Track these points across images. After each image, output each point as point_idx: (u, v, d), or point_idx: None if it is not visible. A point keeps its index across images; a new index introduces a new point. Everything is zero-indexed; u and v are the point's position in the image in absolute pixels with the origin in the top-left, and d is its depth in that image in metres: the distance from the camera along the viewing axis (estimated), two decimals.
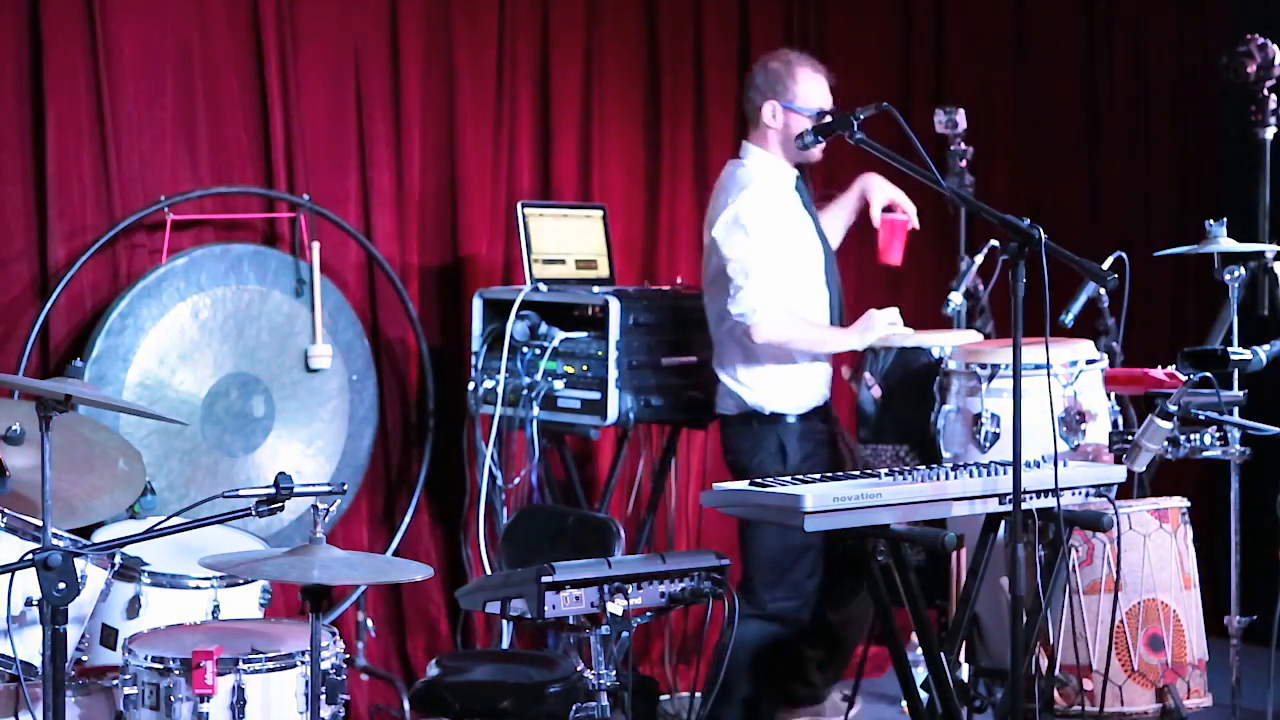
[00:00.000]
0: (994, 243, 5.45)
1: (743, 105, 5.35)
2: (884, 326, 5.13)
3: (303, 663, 3.96)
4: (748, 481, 4.14)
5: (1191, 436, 4.77)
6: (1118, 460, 4.58)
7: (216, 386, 5.35)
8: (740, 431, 5.23)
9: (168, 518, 4.31)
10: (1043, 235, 3.84)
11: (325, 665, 3.97)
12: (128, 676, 3.97)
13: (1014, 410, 3.92)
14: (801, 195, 5.29)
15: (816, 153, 5.16)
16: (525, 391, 5.49)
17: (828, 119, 4.76)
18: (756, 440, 5.18)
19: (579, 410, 5.46)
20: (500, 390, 5.54)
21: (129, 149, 5.33)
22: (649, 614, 4.02)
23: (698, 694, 5.09)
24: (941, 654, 4.23)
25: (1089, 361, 4.87)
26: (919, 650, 4.39)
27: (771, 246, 5.11)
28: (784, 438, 5.16)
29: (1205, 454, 4.85)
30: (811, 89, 5.19)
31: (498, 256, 6.00)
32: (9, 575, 3.86)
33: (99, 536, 4.57)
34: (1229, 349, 4.45)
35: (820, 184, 6.57)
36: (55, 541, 3.75)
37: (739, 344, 5.16)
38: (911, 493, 4.05)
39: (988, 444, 4.79)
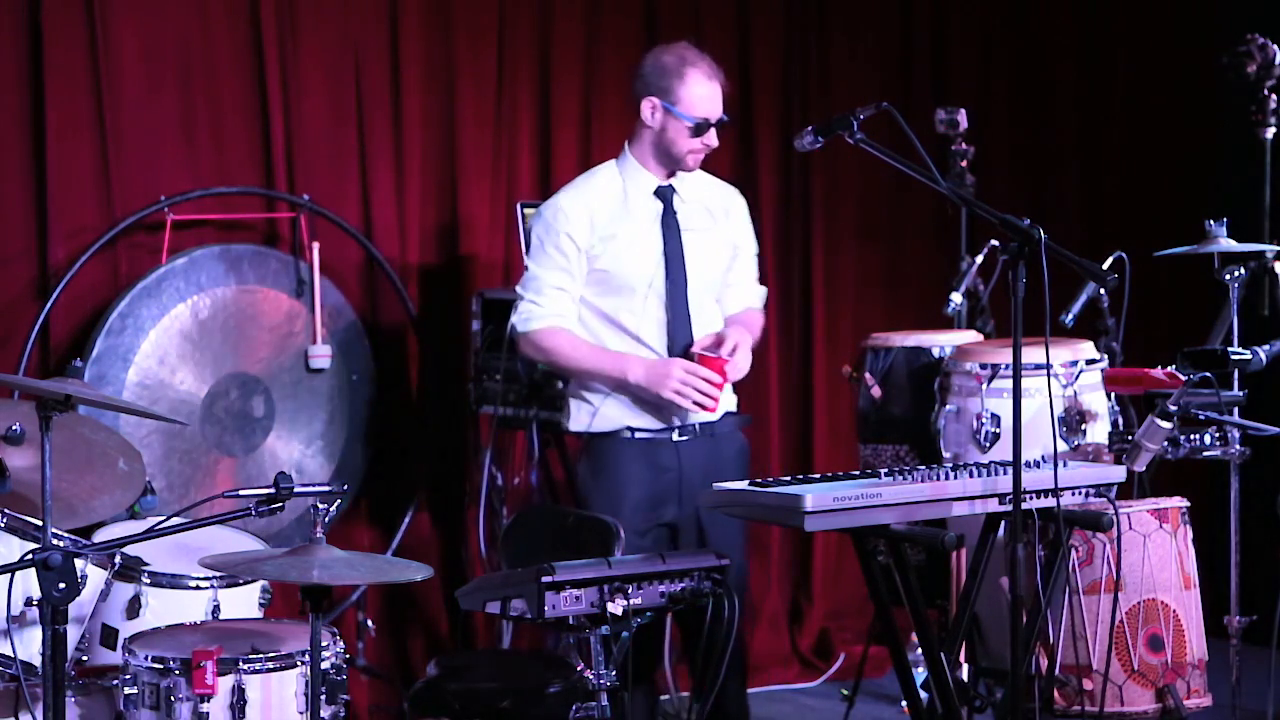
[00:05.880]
0: (994, 243, 5.45)
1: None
2: (677, 382, 4.55)
3: (303, 663, 3.96)
4: (748, 481, 4.14)
5: (1191, 436, 4.78)
6: (1118, 460, 4.58)
7: (216, 386, 5.35)
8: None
9: (168, 518, 4.31)
10: (1043, 235, 3.84)
11: (325, 665, 3.97)
12: (128, 676, 3.97)
13: (1014, 410, 3.92)
14: (667, 204, 4.72)
15: (689, 162, 4.66)
16: (525, 391, 5.49)
17: (710, 130, 4.60)
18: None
19: None
20: (500, 390, 5.53)
21: (129, 149, 5.33)
22: (649, 614, 4.03)
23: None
24: (941, 654, 4.23)
25: (1089, 361, 4.87)
26: (919, 650, 4.39)
27: (569, 252, 4.65)
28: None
29: (1205, 454, 4.86)
30: (700, 95, 4.61)
31: (498, 256, 5.99)
32: (9, 575, 3.86)
33: (99, 536, 4.57)
34: (1229, 349, 4.45)
35: (822, 186, 6.62)
36: (55, 541, 3.75)
37: None
38: (911, 493, 4.04)
39: (988, 444, 4.79)
